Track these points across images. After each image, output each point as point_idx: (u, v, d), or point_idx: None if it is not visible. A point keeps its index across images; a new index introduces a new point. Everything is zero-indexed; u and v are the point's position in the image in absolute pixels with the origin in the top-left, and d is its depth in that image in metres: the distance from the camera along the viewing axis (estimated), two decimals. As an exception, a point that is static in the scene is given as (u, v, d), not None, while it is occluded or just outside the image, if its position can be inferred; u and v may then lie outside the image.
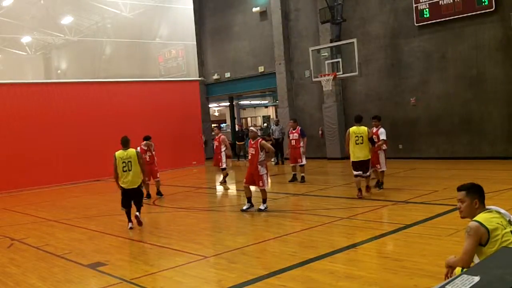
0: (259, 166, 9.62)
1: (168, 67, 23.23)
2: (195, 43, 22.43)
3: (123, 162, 9.04)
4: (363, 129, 10.40)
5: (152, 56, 22.72)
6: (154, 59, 22.95)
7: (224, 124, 35.31)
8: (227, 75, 23.74)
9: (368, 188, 10.64)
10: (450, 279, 2.26)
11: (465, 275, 2.17)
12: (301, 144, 13.45)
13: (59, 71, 23.43)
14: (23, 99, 16.95)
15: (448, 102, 15.97)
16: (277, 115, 25.41)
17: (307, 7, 19.68)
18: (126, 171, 9.03)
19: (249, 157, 9.95)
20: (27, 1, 19.54)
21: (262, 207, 9.68)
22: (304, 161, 13.50)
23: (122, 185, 9.11)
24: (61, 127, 17.48)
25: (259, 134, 22.20)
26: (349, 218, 8.60)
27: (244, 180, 10.00)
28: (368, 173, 10.52)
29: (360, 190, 10.33)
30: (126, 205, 9.15)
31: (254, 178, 9.72)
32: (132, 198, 9.16)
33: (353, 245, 6.72)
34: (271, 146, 10.25)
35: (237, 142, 22.98)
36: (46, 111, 17.30)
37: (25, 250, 7.97)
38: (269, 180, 10.32)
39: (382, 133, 11.08)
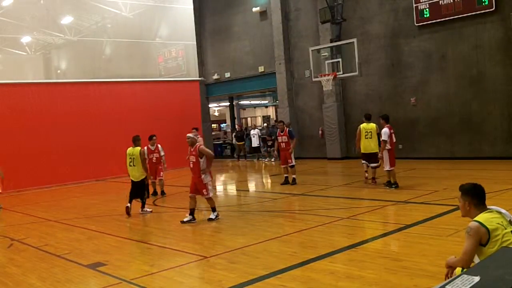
0: (203, 175, 9.04)
1: (168, 67, 23.23)
2: (195, 43, 22.45)
3: (130, 158, 10.44)
4: (372, 125, 11.96)
5: (152, 56, 22.73)
6: (154, 59, 22.96)
7: (224, 124, 35.30)
8: (227, 75, 23.73)
9: (373, 179, 11.90)
10: (450, 279, 2.26)
11: (465, 275, 2.18)
12: (291, 145, 13.27)
13: (59, 71, 23.42)
14: (23, 99, 16.95)
15: (448, 102, 15.97)
16: (277, 115, 25.40)
17: (307, 7, 19.69)
18: (131, 166, 10.45)
19: (191, 166, 9.21)
20: (27, 1, 19.53)
21: (212, 216, 9.20)
22: (293, 162, 13.27)
23: (130, 178, 10.52)
24: (61, 127, 17.47)
25: (260, 134, 22.42)
26: (349, 218, 8.60)
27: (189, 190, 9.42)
28: (377, 164, 11.88)
29: (366, 177, 12.01)
30: (131, 193, 10.44)
31: (197, 187, 9.12)
32: (136, 189, 10.43)
33: (353, 245, 6.71)
34: (210, 151, 9.56)
35: (237, 142, 22.99)
36: (46, 111, 17.30)
37: (25, 250, 7.96)
38: (213, 188, 9.91)
39: (384, 134, 11.24)
